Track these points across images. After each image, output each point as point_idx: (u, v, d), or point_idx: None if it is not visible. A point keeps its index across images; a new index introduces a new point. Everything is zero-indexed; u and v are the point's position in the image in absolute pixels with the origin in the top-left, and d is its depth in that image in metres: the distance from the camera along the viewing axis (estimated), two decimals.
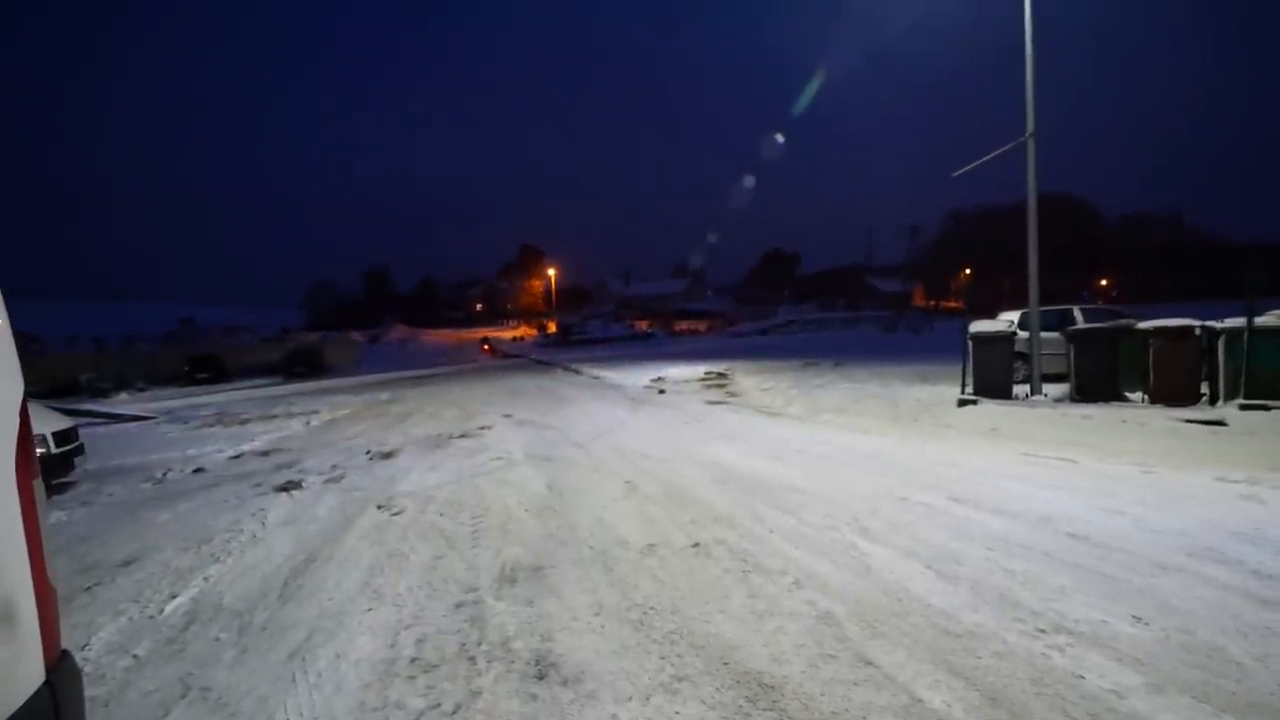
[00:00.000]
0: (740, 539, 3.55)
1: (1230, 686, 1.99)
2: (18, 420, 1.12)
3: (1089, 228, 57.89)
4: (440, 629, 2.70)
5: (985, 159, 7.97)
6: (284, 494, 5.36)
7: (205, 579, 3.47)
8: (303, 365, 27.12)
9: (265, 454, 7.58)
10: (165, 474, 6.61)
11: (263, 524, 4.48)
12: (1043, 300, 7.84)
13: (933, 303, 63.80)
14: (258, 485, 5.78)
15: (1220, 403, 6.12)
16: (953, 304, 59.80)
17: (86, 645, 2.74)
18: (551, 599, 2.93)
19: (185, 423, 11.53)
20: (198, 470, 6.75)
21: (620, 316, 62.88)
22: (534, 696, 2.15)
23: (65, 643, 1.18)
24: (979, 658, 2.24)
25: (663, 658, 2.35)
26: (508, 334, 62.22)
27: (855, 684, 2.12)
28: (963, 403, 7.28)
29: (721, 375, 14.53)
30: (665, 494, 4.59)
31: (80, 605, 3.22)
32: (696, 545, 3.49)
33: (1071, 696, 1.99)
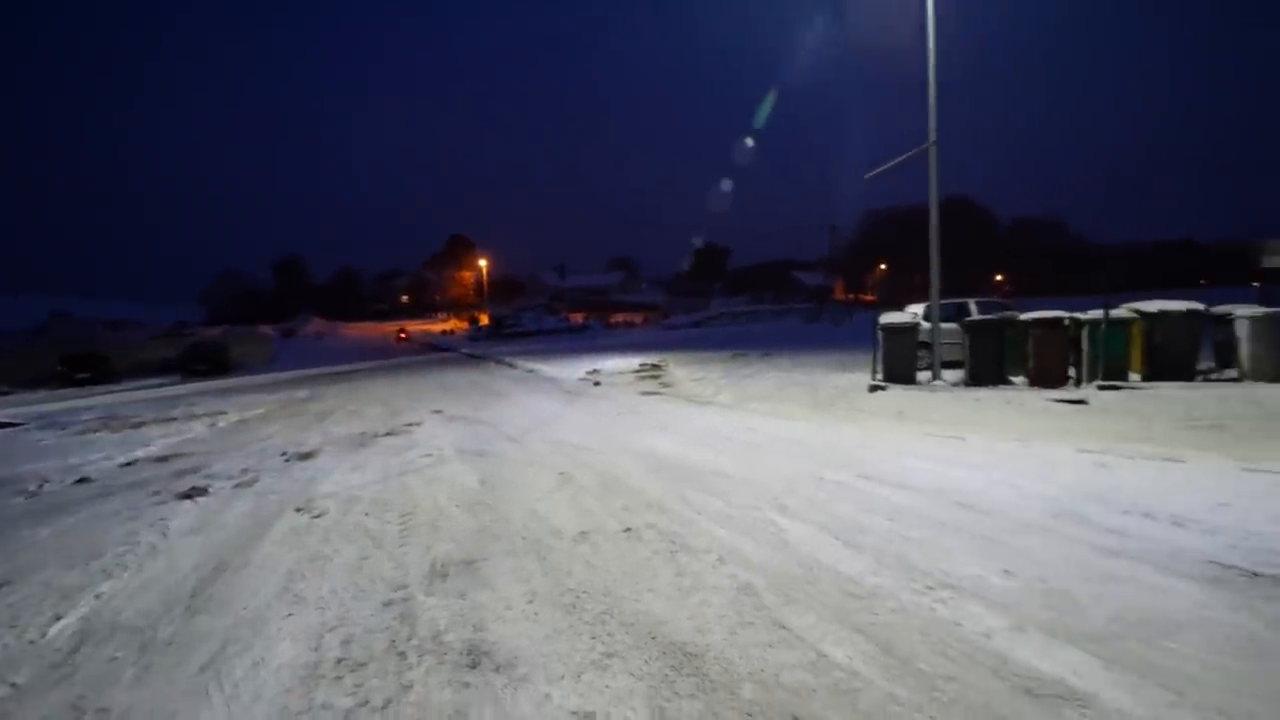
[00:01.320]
0: (670, 522, 3.71)
1: (1071, 622, 2.36)
2: None
3: (987, 228, 63.71)
4: (368, 628, 2.65)
5: (892, 163, 8.61)
6: (188, 501, 4.97)
7: (97, 597, 3.19)
8: (204, 362, 24.72)
9: (164, 459, 6.95)
10: (41, 486, 5.91)
11: (164, 534, 4.15)
12: (945, 294, 8.60)
13: (852, 295, 67.90)
14: (156, 494, 5.32)
15: (1084, 384, 7.01)
16: (870, 297, 63.90)
17: None
18: (484, 591, 2.95)
19: (63, 428, 10.30)
20: (82, 480, 6.09)
21: (555, 309, 62.15)
22: (467, 685, 2.19)
23: None
24: (877, 615, 2.50)
25: (594, 637, 2.45)
26: (437, 326, 60.04)
27: (770, 646, 2.31)
28: (874, 388, 7.88)
29: (655, 367, 14.79)
30: (599, 484, 4.69)
31: None
32: (628, 530, 3.61)
33: (950, 640, 2.28)
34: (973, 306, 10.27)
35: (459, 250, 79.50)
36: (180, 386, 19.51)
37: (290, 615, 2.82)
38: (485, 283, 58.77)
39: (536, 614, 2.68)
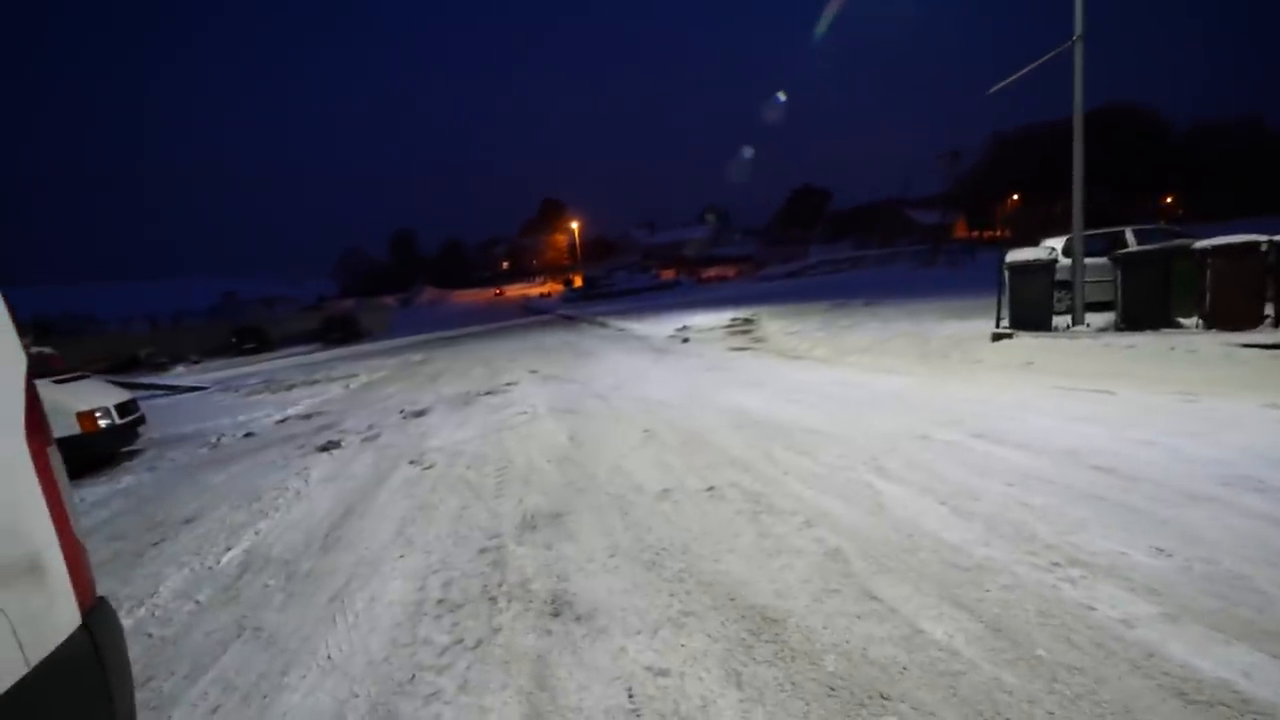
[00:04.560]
0: (754, 481, 3.58)
1: (1248, 615, 1.94)
2: (23, 396, 1.20)
3: (1154, 140, 52.93)
4: (465, 572, 2.87)
5: (1027, 69, 7.28)
6: (325, 453, 5.67)
7: (256, 533, 3.76)
8: (338, 331, 28.09)
9: (308, 417, 8.00)
10: (219, 439, 7.07)
11: (306, 482, 4.78)
12: (1100, 223, 7.28)
13: (975, 233, 60.37)
14: (301, 446, 6.13)
15: None
16: (997, 233, 56.43)
17: (155, 593, 3.04)
18: (569, 543, 3.05)
19: (235, 391, 12.22)
20: (248, 435, 7.19)
21: (646, 266, 62.09)
22: (549, 632, 2.29)
23: (105, 591, 1.31)
24: (986, 590, 2.24)
25: (672, 595, 2.45)
26: (535, 290, 62.87)
27: (858, 617, 2.16)
28: (997, 337, 6.99)
29: (747, 321, 14.33)
30: (682, 441, 4.65)
31: (150, 558, 3.55)
32: (710, 489, 3.55)
33: (1078, 626, 1.98)
34: (1129, 236, 8.65)
35: (552, 214, 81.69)
36: (321, 353, 22.28)
37: (401, 557, 3.13)
38: (578, 244, 59.94)
39: (617, 568, 2.73)
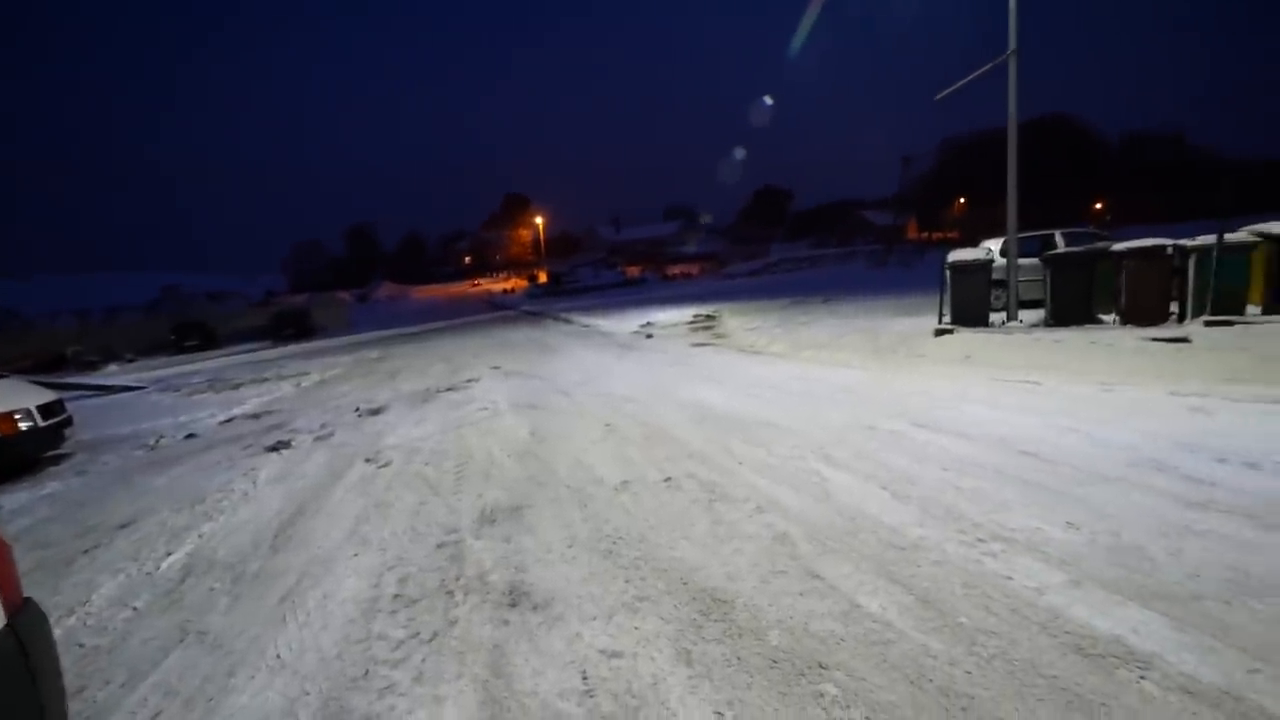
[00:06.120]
0: (710, 472, 3.70)
1: (1140, 580, 2.17)
2: None
3: (1088, 149, 56.48)
4: (422, 568, 2.86)
5: (967, 79, 7.69)
6: (274, 453, 5.49)
7: (199, 536, 3.63)
8: (291, 328, 26.87)
9: (256, 416, 7.69)
10: (158, 441, 6.72)
11: (254, 483, 4.62)
12: (1037, 226, 7.75)
13: (926, 234, 62.93)
14: (249, 447, 5.91)
15: (1188, 320, 6.22)
16: (948, 235, 58.91)
17: (87, 602, 2.90)
18: (528, 536, 3.09)
19: (176, 390, 11.58)
20: (190, 436, 6.86)
21: (611, 263, 61.92)
22: (506, 622, 2.32)
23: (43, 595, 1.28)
24: (918, 566, 2.41)
25: (627, 581, 2.52)
26: (499, 285, 61.88)
27: (801, 595, 2.29)
28: (939, 332, 7.37)
29: (709, 317, 14.56)
30: (643, 435, 4.73)
31: (80, 566, 3.38)
32: (668, 480, 3.64)
33: (996, 595, 2.16)
34: (1058, 238, 9.26)
35: (516, 209, 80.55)
36: (272, 350, 21.30)
37: (356, 555, 3.09)
38: (542, 240, 59.19)
39: (575, 558, 2.78)
